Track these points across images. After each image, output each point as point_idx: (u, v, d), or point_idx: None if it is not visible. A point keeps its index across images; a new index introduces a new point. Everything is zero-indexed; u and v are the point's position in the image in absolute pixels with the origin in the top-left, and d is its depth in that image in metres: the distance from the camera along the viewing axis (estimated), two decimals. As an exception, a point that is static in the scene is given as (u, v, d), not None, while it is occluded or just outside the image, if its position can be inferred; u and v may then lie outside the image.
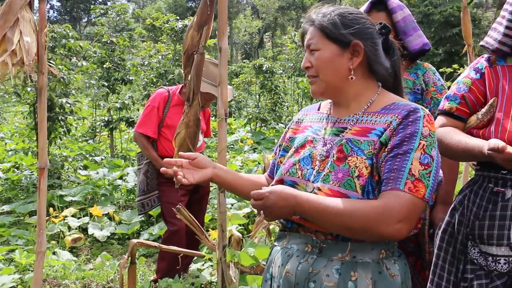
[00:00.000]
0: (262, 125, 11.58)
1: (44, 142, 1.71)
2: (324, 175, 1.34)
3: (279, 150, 1.60)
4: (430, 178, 1.25)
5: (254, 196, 1.30)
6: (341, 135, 1.40)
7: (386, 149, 1.30)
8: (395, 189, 1.24)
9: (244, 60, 17.14)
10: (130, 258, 2.11)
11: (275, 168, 1.58)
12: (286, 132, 1.62)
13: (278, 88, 12.42)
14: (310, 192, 1.35)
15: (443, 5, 13.83)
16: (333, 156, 1.36)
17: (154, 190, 3.46)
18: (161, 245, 2.15)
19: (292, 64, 14.31)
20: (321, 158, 1.39)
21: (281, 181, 1.46)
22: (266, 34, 45.95)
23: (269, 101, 12.28)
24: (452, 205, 1.78)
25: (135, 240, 2.10)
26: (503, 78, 1.67)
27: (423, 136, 1.28)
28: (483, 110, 1.68)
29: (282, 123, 12.30)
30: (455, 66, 8.92)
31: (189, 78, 2.12)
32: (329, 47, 1.40)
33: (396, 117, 1.33)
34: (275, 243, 1.52)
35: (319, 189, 1.33)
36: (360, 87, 1.44)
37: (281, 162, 1.53)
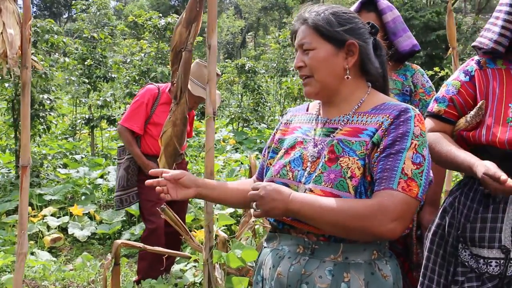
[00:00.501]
0: (245, 125, 11.54)
1: (28, 139, 1.65)
2: (316, 176, 1.33)
3: (268, 152, 1.58)
4: (422, 177, 1.26)
5: (253, 187, 1.30)
6: (331, 136, 1.39)
7: (379, 149, 1.30)
8: (389, 188, 1.23)
9: (226, 60, 17.09)
10: (114, 259, 2.06)
11: (265, 170, 1.56)
12: (274, 134, 1.60)
13: (261, 88, 12.40)
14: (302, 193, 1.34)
15: (423, 10, 14.02)
16: (325, 157, 1.35)
17: (133, 186, 3.42)
18: (146, 246, 2.10)
19: (275, 64, 14.32)
20: (312, 159, 1.38)
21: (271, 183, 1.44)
22: (249, 34, 45.92)
23: (251, 101, 12.26)
24: (442, 207, 1.78)
25: (119, 241, 2.05)
26: (494, 80, 1.67)
27: (415, 135, 1.29)
28: (472, 113, 1.68)
29: (265, 123, 12.28)
30: (436, 69, 9.03)
31: (176, 76, 2.08)
32: (324, 46, 1.39)
33: (388, 117, 1.32)
34: (265, 245, 1.50)
35: (311, 191, 1.32)
36: (353, 87, 1.43)
37: (271, 164, 1.52)
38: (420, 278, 1.78)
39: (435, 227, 1.76)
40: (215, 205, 4.96)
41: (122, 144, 3.52)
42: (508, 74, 1.67)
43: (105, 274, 2.04)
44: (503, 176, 1.38)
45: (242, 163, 7.75)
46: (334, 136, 1.38)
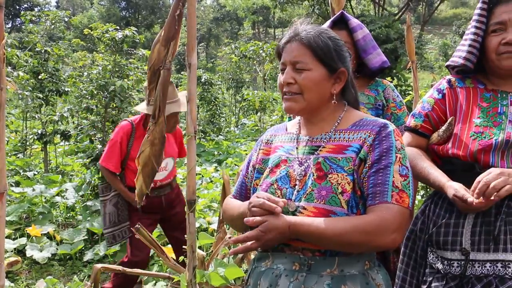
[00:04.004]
0: (202, 137, 11.47)
1: (3, 164, 1.57)
2: (307, 193, 1.36)
3: (254, 173, 1.58)
4: (410, 187, 1.34)
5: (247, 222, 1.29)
6: (316, 153, 1.43)
7: (366, 165, 1.35)
8: (384, 202, 1.30)
9: (182, 72, 16.97)
10: (93, 284, 1.99)
11: (251, 191, 1.56)
12: (258, 154, 1.61)
13: (217, 99, 12.38)
14: (293, 211, 1.36)
15: (373, 23, 14.59)
16: (313, 175, 1.38)
17: (125, 221, 3.43)
18: (125, 269, 2.04)
19: (230, 76, 14.38)
20: (300, 177, 1.41)
21: None
22: (200, 45, 45.87)
23: (207, 112, 12.22)
24: (416, 215, 1.90)
25: (99, 265, 1.98)
26: (461, 98, 1.81)
27: (397, 149, 1.36)
28: (443, 128, 1.82)
29: (222, 134, 12.26)
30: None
31: (154, 95, 2.05)
32: (319, 69, 1.42)
33: (370, 133, 1.39)
34: (256, 264, 1.50)
35: (304, 208, 1.35)
36: (334, 108, 1.49)
37: (257, 184, 1.53)
38: (395, 279, 1.89)
39: (408, 232, 1.88)
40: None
41: (103, 182, 3.52)
42: (475, 92, 1.81)
43: (85, 300, 1.97)
44: (469, 198, 1.54)
45: (202, 176, 7.69)
46: (318, 154, 1.42)
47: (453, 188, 1.60)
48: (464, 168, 1.69)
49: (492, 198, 1.52)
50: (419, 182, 2.36)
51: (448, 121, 1.79)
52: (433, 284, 1.70)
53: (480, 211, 1.61)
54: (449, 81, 1.88)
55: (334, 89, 1.45)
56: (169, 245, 4.17)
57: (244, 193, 1.63)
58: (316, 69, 1.42)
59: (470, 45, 1.77)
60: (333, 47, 1.43)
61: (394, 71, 13.04)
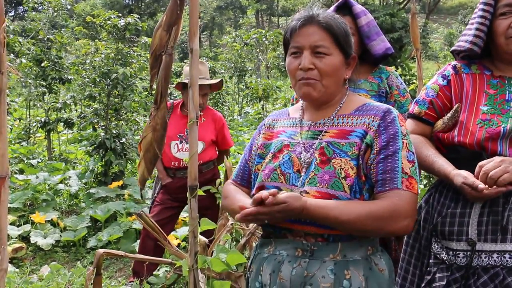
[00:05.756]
0: (205, 125, 11.45)
1: (5, 149, 1.57)
2: (310, 178, 1.36)
3: (255, 158, 1.57)
4: (417, 173, 1.35)
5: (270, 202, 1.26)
6: (319, 138, 1.42)
7: (374, 151, 1.35)
8: (394, 188, 1.30)
9: (185, 60, 16.92)
10: (95, 269, 2.00)
11: (253, 175, 1.55)
12: (258, 139, 1.60)
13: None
14: None
15: (376, 12, 14.48)
16: (316, 160, 1.38)
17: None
18: (127, 254, 2.05)
19: (233, 64, 14.32)
20: (306, 164, 1.40)
21: (262, 187, 1.45)
22: (204, 33, 45.69)
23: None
24: (419, 204, 1.86)
25: (101, 250, 1.99)
26: (467, 84, 1.77)
27: (403, 135, 1.36)
28: (448, 115, 1.77)
29: (224, 123, 12.23)
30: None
31: (156, 80, 2.04)
32: (338, 54, 1.42)
33: (374, 118, 1.38)
34: (258, 251, 1.50)
35: (306, 192, 1.34)
36: (342, 93, 1.49)
37: (259, 170, 1.52)
38: (398, 269, 1.88)
39: None
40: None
41: None
42: (482, 78, 1.76)
43: (87, 285, 1.98)
44: (480, 185, 1.51)
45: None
46: (321, 139, 1.41)
47: (462, 176, 1.57)
48: (471, 157, 1.65)
49: (500, 188, 1.50)
50: (421, 171, 2.35)
51: (454, 108, 1.75)
52: (437, 275, 1.68)
53: (488, 200, 1.58)
54: (454, 67, 1.83)
55: (347, 74, 1.46)
56: (172, 232, 4.22)
57: (246, 178, 1.61)
58: (336, 54, 1.41)
59: (477, 29, 1.72)
60: (347, 32, 1.44)
61: (399, 60, 12.94)
